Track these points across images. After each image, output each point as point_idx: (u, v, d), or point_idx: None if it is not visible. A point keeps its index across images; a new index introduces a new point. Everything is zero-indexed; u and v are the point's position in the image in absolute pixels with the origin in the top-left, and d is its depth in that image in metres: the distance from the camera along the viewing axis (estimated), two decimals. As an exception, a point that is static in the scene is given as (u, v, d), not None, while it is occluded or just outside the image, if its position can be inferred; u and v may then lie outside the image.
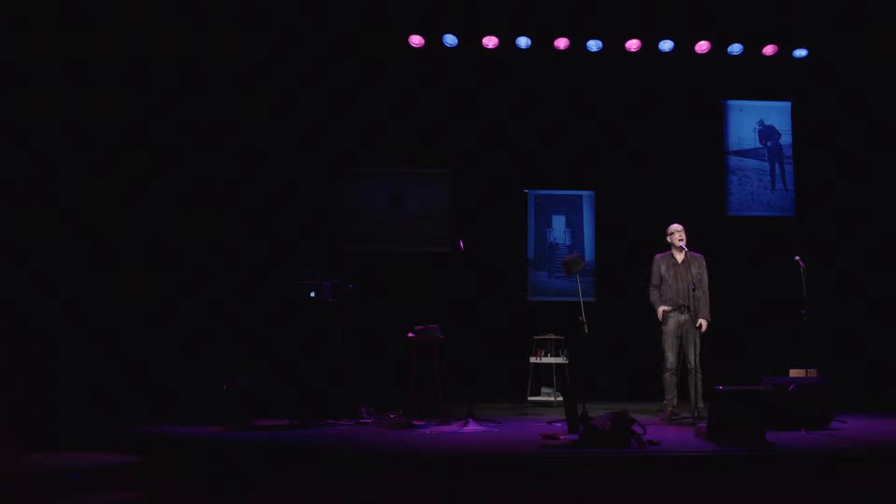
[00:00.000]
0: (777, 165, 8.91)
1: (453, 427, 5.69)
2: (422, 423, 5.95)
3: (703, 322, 6.25)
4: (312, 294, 6.30)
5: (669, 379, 6.33)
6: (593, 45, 8.37)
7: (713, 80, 8.75)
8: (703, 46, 8.39)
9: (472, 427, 5.65)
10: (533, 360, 7.98)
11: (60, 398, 6.05)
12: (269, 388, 6.21)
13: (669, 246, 6.47)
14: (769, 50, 8.49)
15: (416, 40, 8.27)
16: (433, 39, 8.27)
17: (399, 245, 8.67)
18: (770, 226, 8.75)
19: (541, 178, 8.92)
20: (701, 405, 6.02)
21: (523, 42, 8.32)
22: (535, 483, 4.18)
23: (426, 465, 4.35)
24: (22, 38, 6.30)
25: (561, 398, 7.51)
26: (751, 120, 8.96)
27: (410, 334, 6.38)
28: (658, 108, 8.72)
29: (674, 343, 6.33)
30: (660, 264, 6.47)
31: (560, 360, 7.93)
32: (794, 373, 5.91)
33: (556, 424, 5.82)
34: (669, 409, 6.28)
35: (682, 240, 6.37)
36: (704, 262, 6.44)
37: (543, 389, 7.98)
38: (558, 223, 8.93)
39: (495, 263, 8.57)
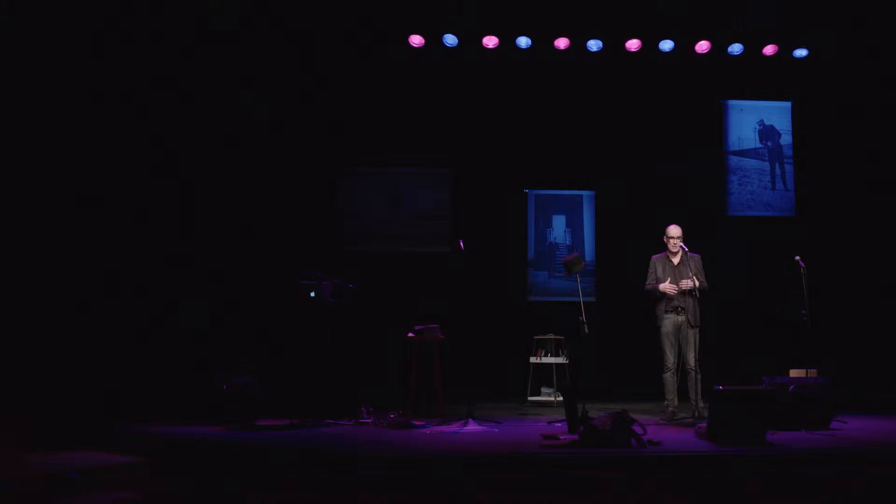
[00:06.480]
0: (777, 165, 8.91)
1: (453, 427, 5.70)
2: (422, 423, 5.95)
3: (686, 282, 6.20)
4: (312, 294, 6.30)
5: (669, 379, 6.33)
6: (593, 45, 8.37)
7: (713, 80, 8.75)
8: (703, 46, 8.39)
9: (472, 427, 5.65)
10: (533, 360, 7.98)
11: (60, 398, 6.04)
12: (269, 388, 6.21)
13: (666, 247, 6.47)
14: (769, 50, 8.49)
15: (416, 40, 8.26)
16: (433, 39, 8.27)
17: (399, 245, 8.67)
18: (770, 226, 8.75)
19: (541, 178, 8.93)
20: (701, 405, 6.02)
21: (523, 42, 8.32)
22: (535, 483, 4.18)
23: (426, 465, 4.35)
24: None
25: (561, 398, 7.51)
26: (751, 120, 8.96)
27: (410, 334, 6.38)
28: (658, 108, 8.72)
29: (672, 344, 6.33)
30: (656, 266, 6.46)
31: (560, 360, 7.93)
32: (794, 373, 5.90)
33: (556, 424, 5.82)
34: (670, 409, 6.28)
35: (677, 244, 6.35)
36: (701, 262, 6.43)
37: (543, 389, 7.98)
38: (558, 223, 8.93)
39: (495, 263, 8.57)
